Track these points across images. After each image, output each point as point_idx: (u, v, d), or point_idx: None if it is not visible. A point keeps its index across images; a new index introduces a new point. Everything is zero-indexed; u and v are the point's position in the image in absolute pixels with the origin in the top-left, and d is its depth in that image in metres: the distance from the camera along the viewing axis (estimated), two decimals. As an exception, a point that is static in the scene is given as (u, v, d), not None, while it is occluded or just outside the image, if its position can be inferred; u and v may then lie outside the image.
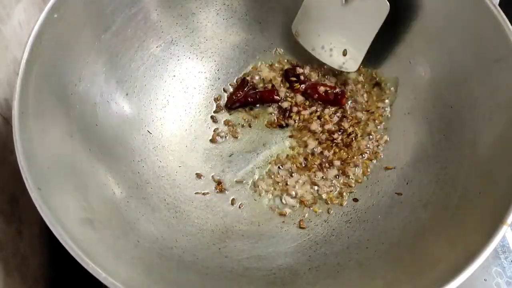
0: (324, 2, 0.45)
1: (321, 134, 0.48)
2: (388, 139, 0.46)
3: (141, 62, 0.46)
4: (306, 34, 0.47)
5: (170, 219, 0.43)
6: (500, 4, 0.36)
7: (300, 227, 0.44)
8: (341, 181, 0.46)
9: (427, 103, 0.43)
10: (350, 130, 0.47)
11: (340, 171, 0.46)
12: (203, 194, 0.46)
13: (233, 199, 0.46)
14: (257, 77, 0.51)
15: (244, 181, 0.47)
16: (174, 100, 0.49)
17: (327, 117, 0.48)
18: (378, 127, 0.47)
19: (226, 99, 0.50)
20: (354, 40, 0.45)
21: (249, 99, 0.49)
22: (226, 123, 0.50)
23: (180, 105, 0.50)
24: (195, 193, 0.46)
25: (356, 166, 0.46)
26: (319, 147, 0.47)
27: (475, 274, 0.30)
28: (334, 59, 0.48)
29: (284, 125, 0.49)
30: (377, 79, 0.48)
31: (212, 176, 0.47)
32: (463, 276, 0.29)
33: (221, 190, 0.47)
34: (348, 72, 0.48)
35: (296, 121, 0.49)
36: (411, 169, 0.43)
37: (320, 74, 0.50)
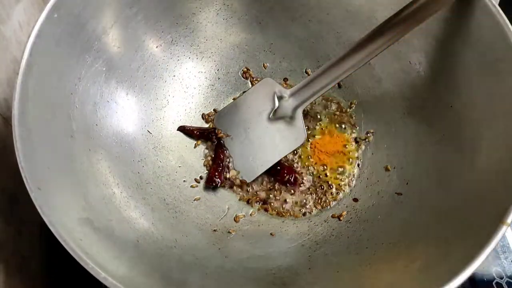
0: (254, 109, 0.48)
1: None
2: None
3: (141, 62, 0.46)
4: (226, 126, 0.49)
5: (170, 219, 0.43)
6: (500, 4, 0.36)
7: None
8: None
9: (427, 103, 0.43)
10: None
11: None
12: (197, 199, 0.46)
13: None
14: None
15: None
16: (174, 100, 0.49)
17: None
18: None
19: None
20: (263, 154, 0.47)
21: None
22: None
23: (180, 105, 0.50)
24: (194, 200, 0.46)
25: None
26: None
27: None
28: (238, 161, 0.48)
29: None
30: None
31: (212, 176, 0.47)
32: (463, 276, 0.29)
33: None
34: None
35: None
36: (411, 169, 0.43)
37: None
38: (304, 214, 0.46)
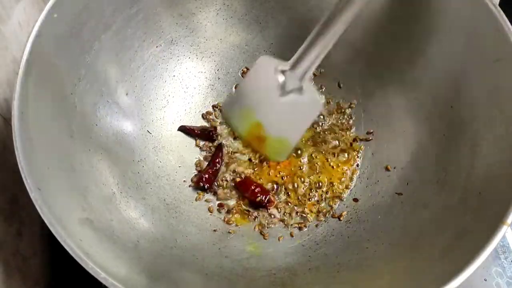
0: (260, 91, 0.45)
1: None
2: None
3: (141, 62, 0.46)
4: (237, 118, 0.46)
5: (170, 219, 0.43)
6: (500, 4, 0.36)
7: (300, 228, 0.44)
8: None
9: (427, 103, 0.43)
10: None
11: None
12: (199, 199, 0.46)
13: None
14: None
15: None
16: (174, 100, 0.49)
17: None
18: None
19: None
20: (288, 131, 0.45)
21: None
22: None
23: (180, 105, 0.50)
24: (194, 200, 0.46)
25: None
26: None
27: (475, 274, 0.30)
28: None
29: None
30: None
31: (212, 176, 0.47)
32: (463, 276, 0.29)
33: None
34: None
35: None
36: (411, 169, 0.43)
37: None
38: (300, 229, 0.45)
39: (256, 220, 0.45)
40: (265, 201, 0.45)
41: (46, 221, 0.29)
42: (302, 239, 0.44)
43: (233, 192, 0.47)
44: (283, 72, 0.44)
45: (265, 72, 0.44)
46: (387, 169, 0.46)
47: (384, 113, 0.48)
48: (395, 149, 0.46)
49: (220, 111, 0.51)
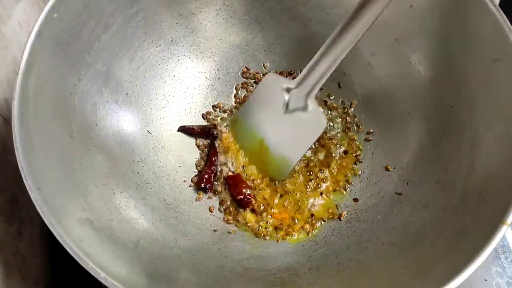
0: (266, 109, 0.46)
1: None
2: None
3: (141, 62, 0.46)
4: (243, 137, 0.47)
5: (170, 219, 0.43)
6: (500, 4, 0.36)
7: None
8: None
9: (427, 103, 0.43)
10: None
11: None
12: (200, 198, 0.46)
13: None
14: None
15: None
16: (174, 100, 0.49)
17: None
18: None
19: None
20: (289, 149, 0.45)
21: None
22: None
23: (180, 105, 0.50)
24: (196, 199, 0.46)
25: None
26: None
27: (475, 274, 0.30)
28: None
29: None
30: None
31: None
32: (463, 276, 0.29)
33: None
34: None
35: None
36: (411, 169, 0.43)
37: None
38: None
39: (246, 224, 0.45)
40: (245, 200, 0.45)
41: (46, 221, 0.29)
42: (302, 239, 0.44)
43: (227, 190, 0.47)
44: (288, 90, 0.44)
45: (271, 90, 0.45)
46: (387, 169, 0.46)
47: (384, 113, 0.48)
48: (395, 149, 0.46)
49: (221, 111, 0.51)
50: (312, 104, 0.44)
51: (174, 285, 0.35)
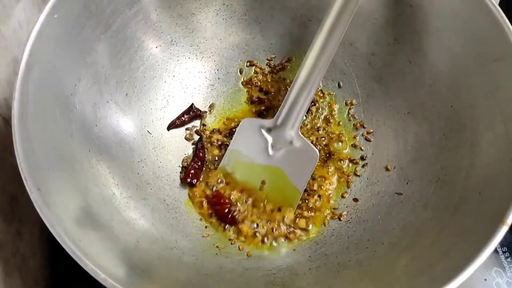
0: (251, 154, 0.46)
1: None
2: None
3: (141, 62, 0.46)
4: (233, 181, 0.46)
5: (170, 220, 0.43)
6: (500, 4, 0.36)
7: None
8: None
9: (427, 103, 0.43)
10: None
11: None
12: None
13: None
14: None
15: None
16: (174, 100, 0.49)
17: None
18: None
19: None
20: (292, 180, 0.45)
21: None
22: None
23: (180, 105, 0.50)
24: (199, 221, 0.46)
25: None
26: None
27: (475, 274, 0.30)
28: None
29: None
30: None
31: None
32: (463, 276, 0.29)
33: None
34: None
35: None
36: (411, 169, 0.43)
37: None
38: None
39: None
40: (230, 218, 0.44)
41: (45, 222, 0.29)
42: (302, 239, 0.44)
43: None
44: (269, 130, 0.45)
45: (251, 134, 0.45)
46: (387, 169, 0.46)
47: (384, 113, 0.48)
48: (395, 149, 0.46)
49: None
50: (298, 138, 0.44)
51: (174, 286, 0.35)
